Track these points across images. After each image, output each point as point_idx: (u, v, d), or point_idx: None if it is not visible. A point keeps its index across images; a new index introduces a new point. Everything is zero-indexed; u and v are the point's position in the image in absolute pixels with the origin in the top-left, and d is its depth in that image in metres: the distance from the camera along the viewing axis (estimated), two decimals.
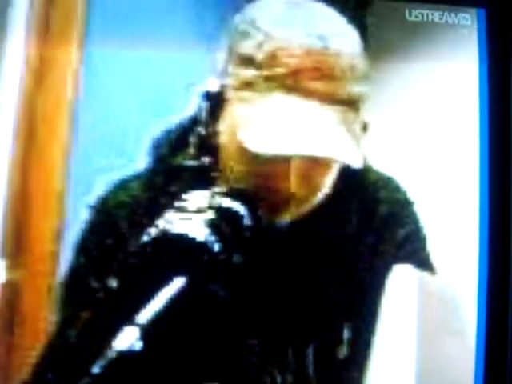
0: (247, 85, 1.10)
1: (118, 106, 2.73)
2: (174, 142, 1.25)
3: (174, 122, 1.27)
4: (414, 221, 1.27)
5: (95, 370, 0.99)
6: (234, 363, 1.16)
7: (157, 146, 1.27)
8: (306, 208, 1.17)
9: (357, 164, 1.12)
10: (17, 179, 2.56)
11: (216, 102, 1.14)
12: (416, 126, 2.77)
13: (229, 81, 1.13)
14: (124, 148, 2.61)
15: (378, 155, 1.29)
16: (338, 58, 1.11)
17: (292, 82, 1.09)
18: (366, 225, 1.22)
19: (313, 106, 1.09)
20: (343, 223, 1.20)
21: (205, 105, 1.16)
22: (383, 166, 1.31)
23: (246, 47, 1.12)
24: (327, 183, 1.16)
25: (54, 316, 1.25)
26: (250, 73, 1.10)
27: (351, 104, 1.12)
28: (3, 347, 2.55)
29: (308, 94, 1.09)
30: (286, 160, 1.11)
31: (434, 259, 1.25)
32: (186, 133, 1.25)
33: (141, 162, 1.26)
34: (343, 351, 1.18)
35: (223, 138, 1.15)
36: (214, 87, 1.14)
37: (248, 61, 1.11)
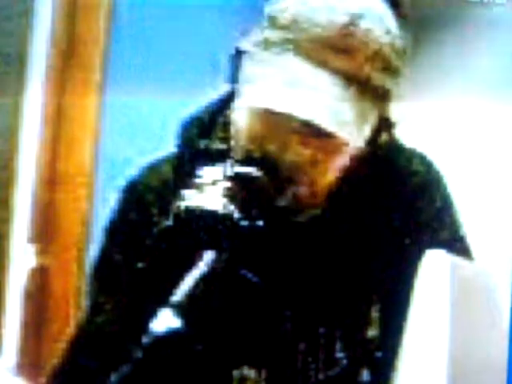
0: (266, 44, 1.10)
1: (147, 88, 2.73)
2: (202, 124, 1.24)
3: (202, 103, 1.26)
4: (446, 196, 1.25)
5: (135, 354, 0.98)
6: (264, 345, 1.16)
7: (185, 128, 1.26)
8: (316, 194, 1.15)
9: (355, 144, 1.11)
10: (46, 163, 2.57)
11: (239, 61, 1.14)
12: (451, 111, 2.75)
13: (251, 40, 1.13)
14: (153, 131, 2.61)
15: (414, 141, 1.28)
16: (365, 39, 1.09)
17: (308, 49, 1.08)
18: (398, 197, 1.20)
19: (324, 76, 1.07)
20: (373, 198, 1.19)
21: (230, 64, 1.16)
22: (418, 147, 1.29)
23: (273, 9, 1.12)
24: (336, 168, 1.13)
25: (84, 300, 1.25)
26: (270, 33, 1.10)
27: (369, 90, 1.10)
28: (34, 331, 2.57)
29: (322, 64, 1.07)
30: (287, 129, 1.09)
31: (468, 241, 1.24)
32: (214, 114, 1.24)
33: (169, 145, 1.25)
34: (373, 333, 1.17)
35: (240, 103, 1.14)
36: (239, 47, 1.14)
37: (272, 22, 1.11)
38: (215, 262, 1.03)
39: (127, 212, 1.22)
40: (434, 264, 0.97)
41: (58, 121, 2.52)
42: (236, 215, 1.04)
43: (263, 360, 1.17)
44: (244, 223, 1.05)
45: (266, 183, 1.09)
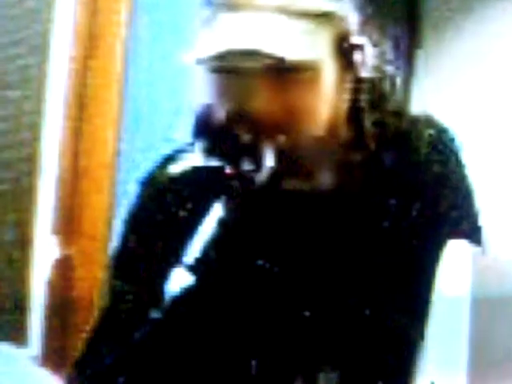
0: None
1: (169, 80, 2.73)
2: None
3: None
4: (467, 185, 1.25)
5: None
6: (284, 335, 1.16)
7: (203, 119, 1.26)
8: (297, 133, 1.13)
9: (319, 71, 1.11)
10: (68, 155, 2.58)
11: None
12: (472, 98, 2.74)
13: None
14: (173, 122, 2.60)
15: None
16: None
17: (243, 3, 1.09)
18: (419, 186, 1.20)
19: (268, 15, 1.08)
20: (395, 187, 1.19)
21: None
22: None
23: None
24: (313, 106, 1.12)
25: (106, 291, 1.26)
26: None
27: (316, 18, 1.10)
28: (58, 322, 2.59)
29: (263, 8, 1.09)
30: (250, 80, 1.09)
31: (487, 231, 1.24)
32: None
33: (188, 136, 1.25)
34: (395, 321, 1.17)
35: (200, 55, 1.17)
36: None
37: None
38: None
39: (146, 203, 1.23)
40: (455, 254, 0.97)
41: (80, 113, 2.54)
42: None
43: (283, 350, 1.17)
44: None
45: (251, 139, 1.09)
